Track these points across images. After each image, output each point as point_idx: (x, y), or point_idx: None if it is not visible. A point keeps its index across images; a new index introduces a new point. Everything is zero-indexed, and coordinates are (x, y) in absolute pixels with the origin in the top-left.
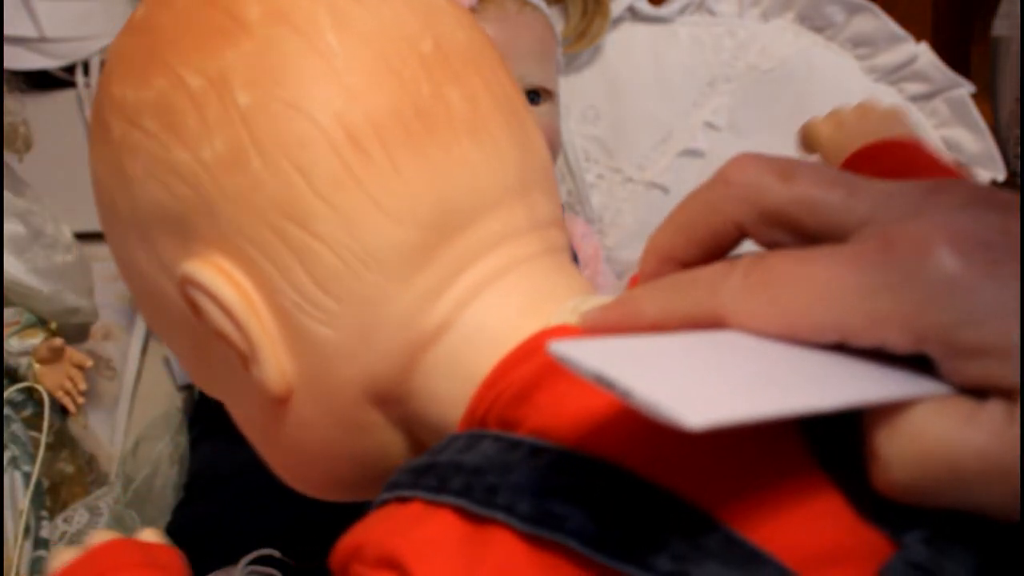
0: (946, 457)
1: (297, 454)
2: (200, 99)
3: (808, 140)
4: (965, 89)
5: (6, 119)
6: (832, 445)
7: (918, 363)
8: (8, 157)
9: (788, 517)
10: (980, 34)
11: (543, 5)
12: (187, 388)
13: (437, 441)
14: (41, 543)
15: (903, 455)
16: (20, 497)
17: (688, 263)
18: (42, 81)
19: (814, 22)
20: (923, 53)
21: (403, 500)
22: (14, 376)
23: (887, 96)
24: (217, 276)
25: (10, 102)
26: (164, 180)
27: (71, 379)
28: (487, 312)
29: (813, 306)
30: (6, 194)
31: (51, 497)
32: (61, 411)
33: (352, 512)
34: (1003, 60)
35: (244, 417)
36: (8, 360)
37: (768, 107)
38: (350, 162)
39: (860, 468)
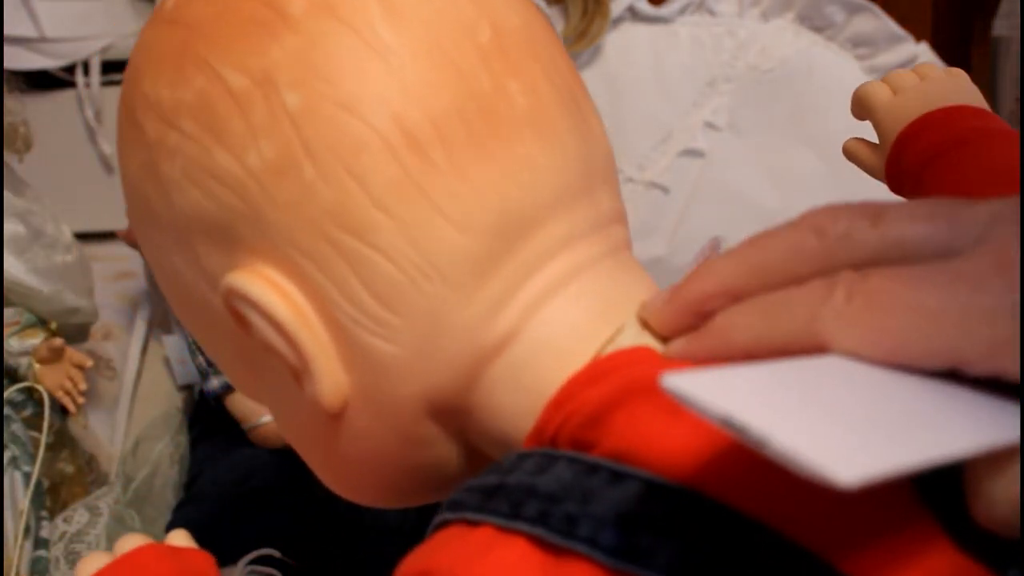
0: None
1: (348, 466)
2: (244, 100)
3: (861, 106)
4: None
5: (6, 119)
6: (926, 475)
7: (992, 384)
8: (8, 157)
9: (891, 554)
10: (980, 34)
11: (543, 5)
12: (187, 388)
13: (497, 454)
14: (41, 543)
15: (1008, 494)
16: (20, 497)
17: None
18: (42, 81)
19: (814, 22)
20: (923, 53)
21: (470, 523)
22: (14, 376)
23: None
24: (266, 289)
25: (10, 102)
26: (205, 186)
27: (71, 379)
28: (553, 322)
29: (924, 332)
30: (6, 194)
31: (51, 497)
32: (61, 411)
33: (352, 514)
34: (1003, 60)
35: (292, 427)
36: (8, 360)
37: (768, 107)
38: (410, 167)
39: (956, 498)
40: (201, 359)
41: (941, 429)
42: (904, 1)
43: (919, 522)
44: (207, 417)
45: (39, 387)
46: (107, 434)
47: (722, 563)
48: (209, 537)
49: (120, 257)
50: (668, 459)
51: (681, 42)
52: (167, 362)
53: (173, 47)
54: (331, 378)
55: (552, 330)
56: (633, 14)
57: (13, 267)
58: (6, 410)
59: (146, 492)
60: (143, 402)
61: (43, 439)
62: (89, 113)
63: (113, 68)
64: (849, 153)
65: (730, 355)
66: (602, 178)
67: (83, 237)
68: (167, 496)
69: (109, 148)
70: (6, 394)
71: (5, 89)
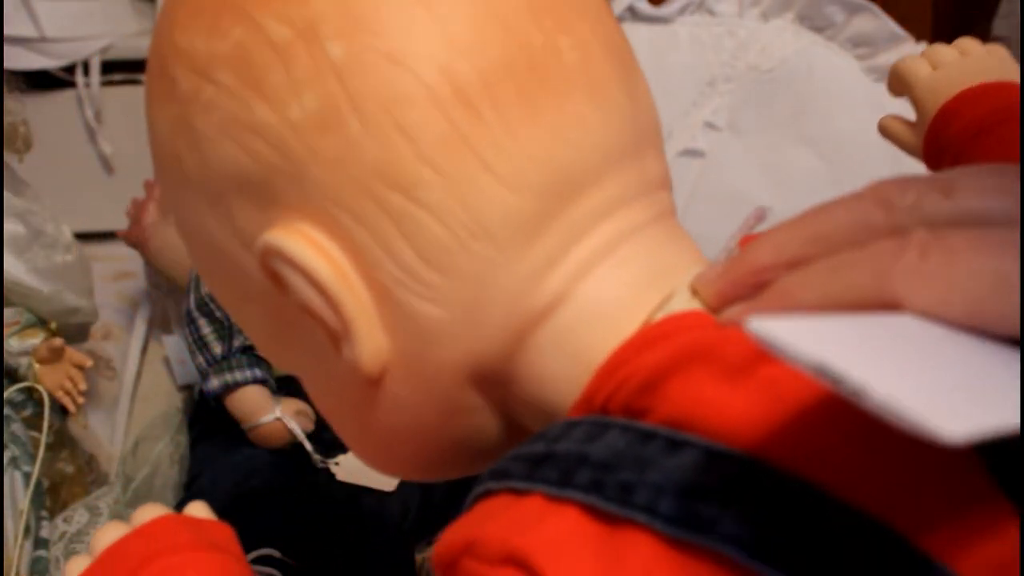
0: None
1: (384, 435)
2: (286, 52)
3: (900, 81)
4: None
5: (6, 119)
6: (992, 448)
7: None
8: (8, 157)
9: (962, 528)
10: (980, 34)
11: None
12: (187, 388)
13: (537, 426)
14: (41, 543)
15: None
16: (20, 497)
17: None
18: (42, 81)
19: (814, 22)
20: None
21: (517, 492)
22: (14, 376)
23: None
24: (307, 247)
25: (10, 102)
26: (243, 140)
27: (71, 379)
28: (602, 287)
29: (1000, 296)
30: (6, 194)
31: (51, 497)
32: (61, 411)
33: (352, 514)
34: None
35: (324, 395)
36: (8, 360)
37: (768, 107)
38: (459, 122)
39: (1020, 472)
40: (201, 359)
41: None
42: (904, 1)
43: (989, 497)
44: (207, 417)
45: (39, 387)
46: (107, 434)
47: (788, 532)
48: None
49: (120, 257)
50: (728, 427)
51: (681, 42)
52: (167, 362)
53: None
54: (371, 342)
55: (600, 295)
56: (633, 14)
57: (13, 267)
58: (6, 410)
59: (146, 492)
60: (143, 402)
61: (43, 439)
62: (89, 113)
63: (113, 68)
64: (885, 131)
65: None
66: (649, 141)
67: (83, 237)
68: (167, 496)
69: (109, 148)
70: (6, 394)
71: (5, 89)
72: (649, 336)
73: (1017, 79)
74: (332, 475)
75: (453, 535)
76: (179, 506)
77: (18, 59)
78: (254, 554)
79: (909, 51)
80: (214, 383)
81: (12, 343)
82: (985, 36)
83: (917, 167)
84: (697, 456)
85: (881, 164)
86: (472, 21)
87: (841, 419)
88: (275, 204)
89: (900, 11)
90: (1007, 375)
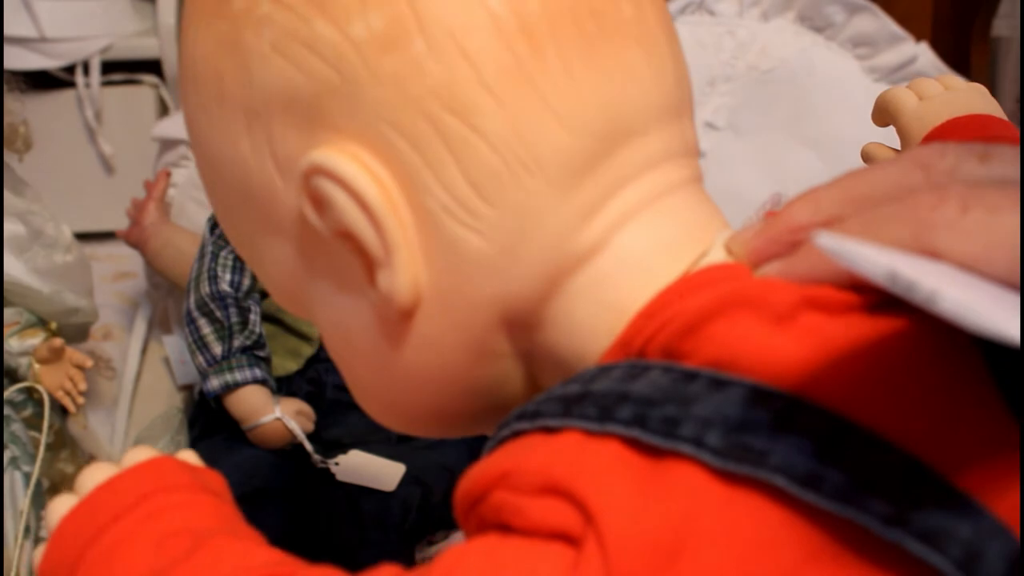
0: None
1: (404, 378)
2: None
3: (885, 110)
4: None
5: (6, 119)
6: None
7: None
8: (8, 157)
9: (993, 467)
10: (980, 34)
11: None
12: (187, 388)
13: (559, 380)
14: (41, 543)
15: None
16: (20, 497)
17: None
18: (42, 81)
19: (814, 22)
20: (923, 53)
21: (551, 430)
22: (14, 376)
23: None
24: (356, 166)
25: (10, 102)
26: (297, 57)
27: (71, 379)
28: (641, 237)
29: None
30: (6, 194)
31: (51, 497)
32: (61, 411)
33: (352, 514)
34: (1003, 60)
35: (343, 337)
36: (8, 360)
37: (768, 107)
38: (522, 56)
39: None
40: (201, 359)
41: None
42: (904, 1)
43: (1012, 435)
44: (207, 417)
45: (39, 387)
46: (107, 434)
47: (830, 463)
48: None
49: (120, 257)
50: (772, 368)
51: (681, 42)
52: (167, 362)
53: None
54: (410, 271)
55: (638, 245)
56: None
57: (13, 267)
58: (6, 410)
59: None
60: (143, 402)
61: (43, 439)
62: (89, 113)
63: (113, 68)
64: (868, 157)
65: (833, 270)
66: (688, 107)
67: (83, 237)
68: None
69: (109, 148)
70: (6, 394)
71: (5, 89)
72: (692, 282)
73: (1000, 116)
74: (332, 475)
75: (482, 470)
76: None
77: (18, 59)
78: None
79: (909, 51)
80: (214, 383)
81: (12, 343)
82: (985, 36)
83: None
84: (743, 393)
85: (897, 156)
86: None
87: (882, 363)
88: (322, 125)
89: (900, 11)
90: None
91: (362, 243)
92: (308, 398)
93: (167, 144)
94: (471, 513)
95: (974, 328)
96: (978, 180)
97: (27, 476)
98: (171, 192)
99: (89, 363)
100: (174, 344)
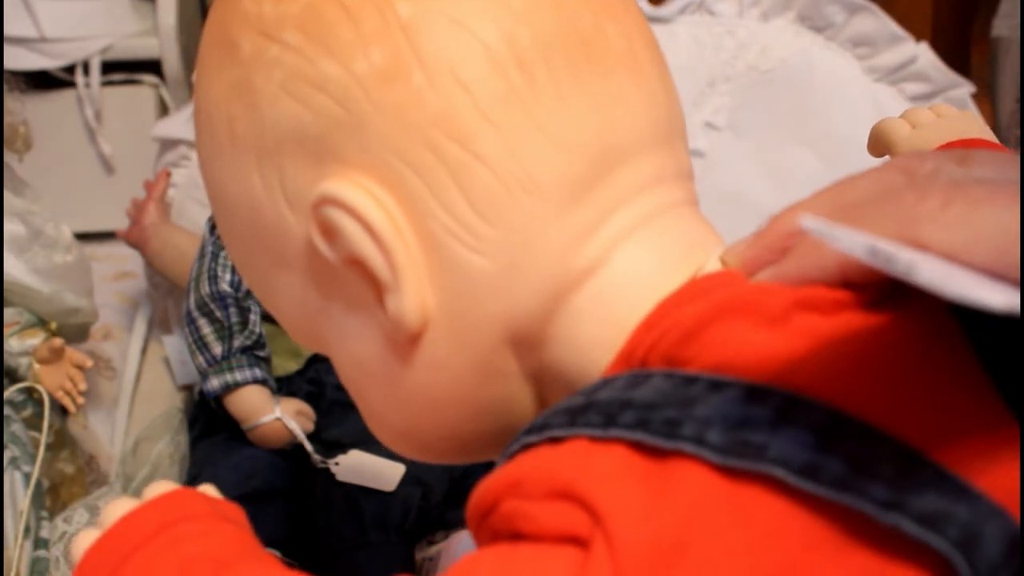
0: None
1: (415, 402)
2: (355, 10)
3: (881, 139)
4: (965, 89)
5: (6, 119)
6: (1012, 381)
7: None
8: (8, 157)
9: (987, 453)
10: (980, 34)
11: None
12: (187, 388)
13: (565, 398)
14: (41, 543)
15: None
16: (20, 497)
17: None
18: (42, 81)
19: (814, 22)
20: (923, 53)
21: (557, 440)
22: (14, 376)
23: (887, 96)
24: (363, 195)
25: (10, 102)
26: (305, 95)
27: (71, 379)
28: (638, 255)
29: (1017, 243)
30: (6, 194)
31: (51, 497)
32: (61, 411)
33: (352, 513)
34: (1003, 60)
35: (354, 363)
36: (8, 360)
37: (768, 107)
38: (516, 83)
39: None
40: (201, 359)
41: None
42: (904, 1)
43: (1003, 421)
44: (207, 417)
45: (39, 387)
46: (107, 434)
47: (827, 453)
48: None
49: (120, 257)
50: (767, 367)
51: (681, 42)
52: (167, 362)
53: None
54: (418, 294)
55: (636, 263)
56: None
57: (13, 267)
58: (6, 410)
59: None
60: (143, 402)
61: (43, 439)
62: (89, 113)
63: (113, 68)
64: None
65: (823, 271)
66: (680, 134)
67: (83, 237)
68: None
69: (109, 148)
70: (6, 394)
71: (5, 89)
72: (688, 292)
73: (992, 140)
74: (332, 475)
75: (492, 481)
76: None
77: (18, 59)
78: None
79: (909, 51)
80: (214, 383)
81: (12, 343)
82: (985, 36)
83: None
84: (741, 392)
85: (880, 164)
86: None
87: (875, 357)
88: (331, 159)
89: (900, 11)
90: None
91: (371, 268)
92: (308, 398)
93: (167, 144)
94: (483, 524)
95: (953, 296)
96: (959, 180)
97: (27, 476)
98: (171, 192)
99: (89, 363)
100: (174, 344)
